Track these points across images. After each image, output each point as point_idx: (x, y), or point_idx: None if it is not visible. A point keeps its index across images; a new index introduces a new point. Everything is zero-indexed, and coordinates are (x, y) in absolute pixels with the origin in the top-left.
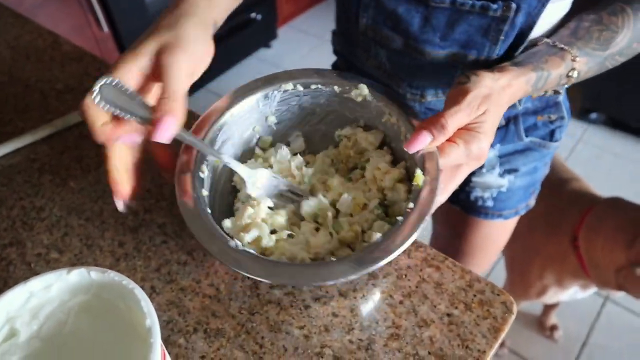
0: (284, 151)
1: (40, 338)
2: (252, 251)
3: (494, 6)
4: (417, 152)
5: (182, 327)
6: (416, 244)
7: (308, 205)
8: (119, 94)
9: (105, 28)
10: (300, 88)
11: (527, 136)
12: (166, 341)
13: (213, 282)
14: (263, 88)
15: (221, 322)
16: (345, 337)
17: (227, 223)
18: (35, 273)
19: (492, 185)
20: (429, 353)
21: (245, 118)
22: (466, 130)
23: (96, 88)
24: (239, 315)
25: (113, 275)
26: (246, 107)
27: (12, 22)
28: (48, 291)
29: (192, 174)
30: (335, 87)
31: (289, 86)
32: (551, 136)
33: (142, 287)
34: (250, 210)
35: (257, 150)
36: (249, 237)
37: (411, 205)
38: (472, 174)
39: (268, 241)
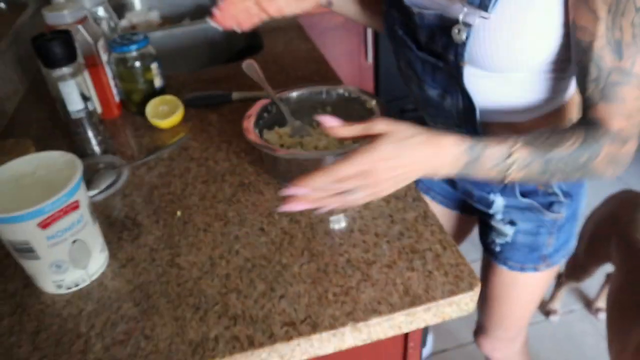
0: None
1: (35, 178)
2: (267, 137)
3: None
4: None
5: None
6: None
7: (309, 135)
8: None
9: (370, 59)
10: (346, 94)
11: (524, 197)
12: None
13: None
14: (327, 87)
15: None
16: (361, 254)
17: (265, 133)
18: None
19: (499, 231)
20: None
21: (311, 98)
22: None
23: None
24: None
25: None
26: (312, 92)
27: (298, 37)
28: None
29: (265, 106)
30: (362, 98)
31: (340, 90)
32: (548, 206)
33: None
34: (277, 128)
35: (313, 123)
36: (270, 138)
37: None
38: (489, 217)
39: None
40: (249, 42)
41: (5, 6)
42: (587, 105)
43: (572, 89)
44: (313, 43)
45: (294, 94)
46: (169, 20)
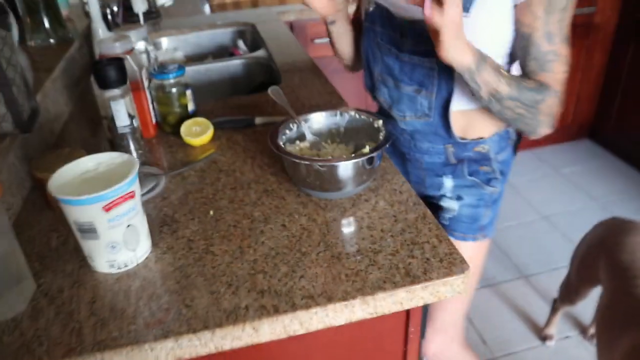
0: (339, 146)
1: (96, 173)
2: (289, 149)
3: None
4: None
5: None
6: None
7: (325, 148)
8: None
9: None
10: (357, 116)
11: (470, 175)
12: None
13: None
14: (340, 110)
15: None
16: (369, 245)
17: (287, 146)
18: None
19: (447, 208)
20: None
21: (327, 119)
22: None
23: None
24: (327, 232)
25: (129, 157)
26: (328, 114)
27: (313, 74)
28: (109, 159)
29: (287, 122)
30: (370, 119)
31: (352, 112)
32: (488, 182)
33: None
34: (298, 141)
35: (327, 140)
36: (292, 150)
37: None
38: (438, 199)
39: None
40: (268, 77)
41: (55, 41)
42: (529, 76)
43: None
44: (326, 78)
45: (312, 115)
46: (192, 59)
